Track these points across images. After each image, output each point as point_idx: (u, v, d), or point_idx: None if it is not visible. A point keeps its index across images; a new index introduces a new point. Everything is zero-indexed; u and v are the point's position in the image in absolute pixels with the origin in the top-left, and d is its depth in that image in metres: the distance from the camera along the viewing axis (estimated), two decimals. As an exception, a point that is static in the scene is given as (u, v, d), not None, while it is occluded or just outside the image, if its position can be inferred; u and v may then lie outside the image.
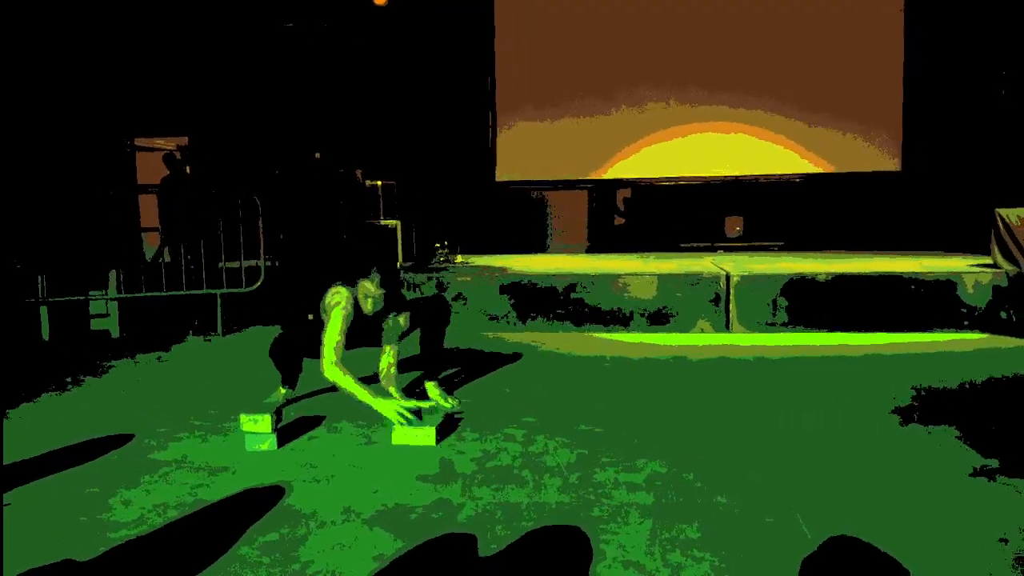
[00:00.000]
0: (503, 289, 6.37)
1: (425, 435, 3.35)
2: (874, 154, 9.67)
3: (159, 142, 12.28)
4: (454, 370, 4.88)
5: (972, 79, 9.51)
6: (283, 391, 4.05)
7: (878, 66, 9.56)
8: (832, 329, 5.96)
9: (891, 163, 9.65)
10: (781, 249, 9.53)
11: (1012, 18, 9.04)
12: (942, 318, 5.89)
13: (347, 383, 3.51)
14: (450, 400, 4.00)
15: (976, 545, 2.31)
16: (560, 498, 2.73)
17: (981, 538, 2.35)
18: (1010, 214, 6.02)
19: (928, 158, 9.61)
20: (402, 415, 3.41)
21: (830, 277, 6.02)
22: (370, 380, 3.97)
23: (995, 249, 6.07)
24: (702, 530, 2.44)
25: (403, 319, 3.92)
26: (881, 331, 5.88)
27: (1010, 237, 5.96)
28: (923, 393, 4.15)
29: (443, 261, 7.61)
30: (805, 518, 2.50)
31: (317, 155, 6.54)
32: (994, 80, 9.25)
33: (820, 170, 9.80)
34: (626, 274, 6.27)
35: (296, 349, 3.93)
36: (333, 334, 3.57)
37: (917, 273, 5.97)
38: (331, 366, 3.54)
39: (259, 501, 2.74)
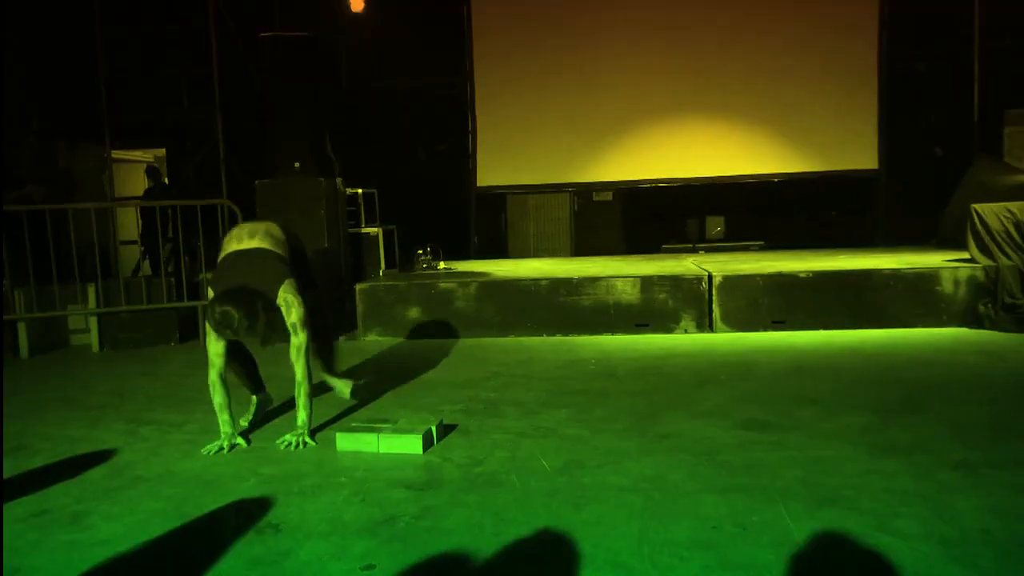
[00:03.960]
0: (487, 294, 6.36)
1: (411, 443, 3.34)
2: (852, 153, 9.75)
3: (137, 154, 12.20)
4: (439, 377, 4.87)
5: (946, 77, 9.64)
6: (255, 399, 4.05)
7: (854, 65, 9.65)
8: (815, 327, 6.00)
9: (869, 161, 9.73)
10: (762, 248, 9.59)
11: (986, 13, 9.18)
12: (922, 313, 5.94)
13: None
14: (348, 384, 4.12)
15: (960, 536, 2.33)
16: (548, 502, 2.73)
17: (965, 529, 2.37)
18: (985, 209, 6.10)
19: (905, 156, 9.71)
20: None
21: (811, 275, 6.07)
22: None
23: (971, 244, 6.14)
24: (690, 531, 2.44)
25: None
26: (862, 327, 5.93)
27: (986, 232, 6.03)
28: (905, 388, 4.19)
29: (426, 268, 7.59)
30: (792, 516, 2.52)
31: (297, 164, 6.51)
32: (968, 78, 9.38)
33: (799, 170, 9.88)
34: (609, 276, 6.29)
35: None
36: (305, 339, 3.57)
37: (896, 269, 6.03)
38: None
39: (244, 514, 2.72)
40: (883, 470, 2.92)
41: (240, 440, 3.52)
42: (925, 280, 5.97)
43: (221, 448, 3.44)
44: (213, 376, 3.52)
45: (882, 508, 2.56)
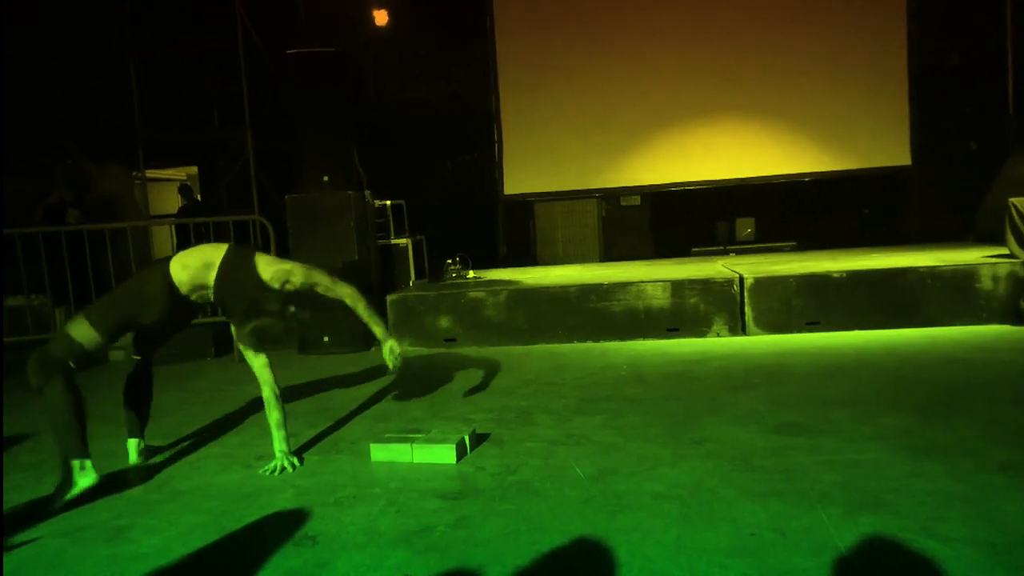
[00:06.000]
0: (516, 302, 6.36)
1: (445, 452, 3.35)
2: (884, 149, 9.61)
3: (170, 172, 12.44)
4: (470, 386, 4.88)
5: (979, 68, 9.46)
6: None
7: (884, 59, 9.51)
8: (850, 327, 5.91)
9: (902, 158, 9.58)
10: (794, 249, 9.48)
11: (1018, 2, 9.00)
12: (960, 311, 5.83)
13: None
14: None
15: (1008, 540, 2.27)
16: (583, 510, 2.71)
17: (1012, 533, 2.31)
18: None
19: (938, 150, 9.54)
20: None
21: (845, 275, 5.98)
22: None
23: (1010, 239, 6.01)
24: (728, 538, 2.41)
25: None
26: (899, 327, 5.83)
27: (1025, 226, 5.90)
28: (944, 388, 4.10)
29: (455, 277, 7.62)
30: (832, 521, 2.47)
31: (326, 178, 6.57)
32: (1002, 69, 9.19)
33: (830, 168, 9.75)
34: (639, 281, 6.25)
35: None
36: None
37: (933, 267, 5.92)
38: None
39: (282, 526, 2.75)
40: (924, 473, 2.86)
41: (295, 459, 3.45)
42: (963, 277, 5.86)
43: (284, 468, 3.35)
44: (268, 393, 3.48)
45: (925, 512, 2.50)
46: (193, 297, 3.45)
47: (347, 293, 3.56)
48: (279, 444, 3.44)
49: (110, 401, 5.11)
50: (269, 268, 3.43)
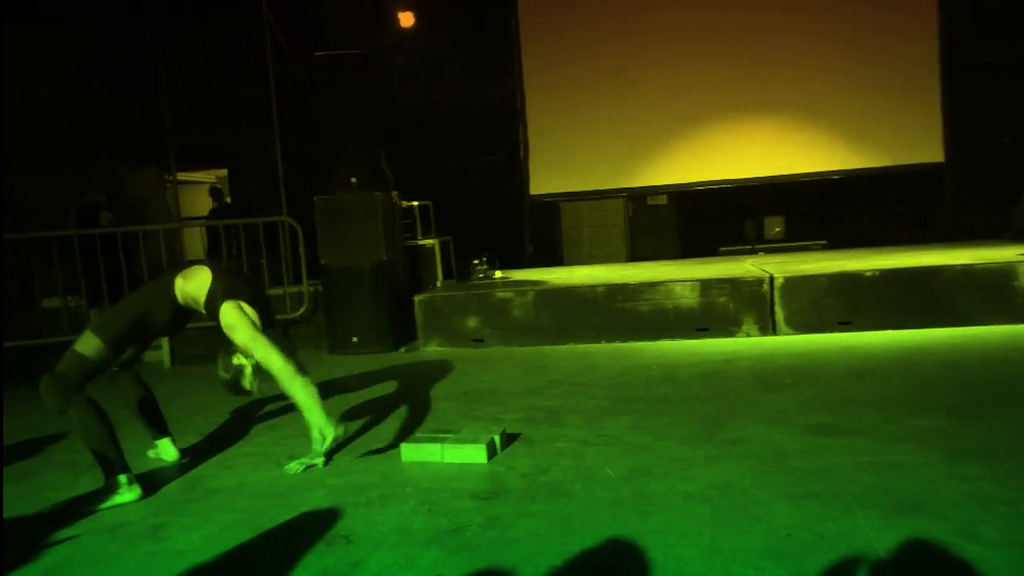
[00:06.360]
0: (544, 302, 6.35)
1: (475, 452, 3.35)
2: (916, 146, 9.45)
3: (199, 175, 12.61)
4: (499, 386, 4.88)
5: (1013, 63, 9.28)
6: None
7: (915, 55, 9.36)
8: (882, 327, 5.82)
9: (934, 154, 9.42)
10: (824, 248, 9.36)
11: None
12: (997, 310, 5.71)
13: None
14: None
15: (1051, 545, 2.22)
16: (614, 511, 2.70)
17: (1056, 537, 2.27)
18: (1062, 199, 5.85)
19: (972, 147, 9.38)
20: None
21: (877, 274, 5.89)
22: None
23: (1048, 236, 5.90)
24: (763, 539, 2.39)
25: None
26: (933, 326, 5.73)
27: (1063, 223, 5.79)
28: (980, 388, 4.03)
29: (482, 277, 7.63)
30: (870, 523, 2.44)
31: (353, 179, 6.61)
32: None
33: (860, 166, 9.61)
34: (667, 281, 6.21)
35: None
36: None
37: (968, 265, 5.81)
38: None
39: (315, 525, 2.77)
40: (962, 474, 2.81)
41: (322, 459, 3.44)
42: (999, 275, 5.74)
43: (310, 465, 3.38)
44: (302, 395, 3.44)
45: (964, 514, 2.46)
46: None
47: (275, 370, 3.31)
48: (315, 445, 3.44)
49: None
50: (222, 323, 3.34)
